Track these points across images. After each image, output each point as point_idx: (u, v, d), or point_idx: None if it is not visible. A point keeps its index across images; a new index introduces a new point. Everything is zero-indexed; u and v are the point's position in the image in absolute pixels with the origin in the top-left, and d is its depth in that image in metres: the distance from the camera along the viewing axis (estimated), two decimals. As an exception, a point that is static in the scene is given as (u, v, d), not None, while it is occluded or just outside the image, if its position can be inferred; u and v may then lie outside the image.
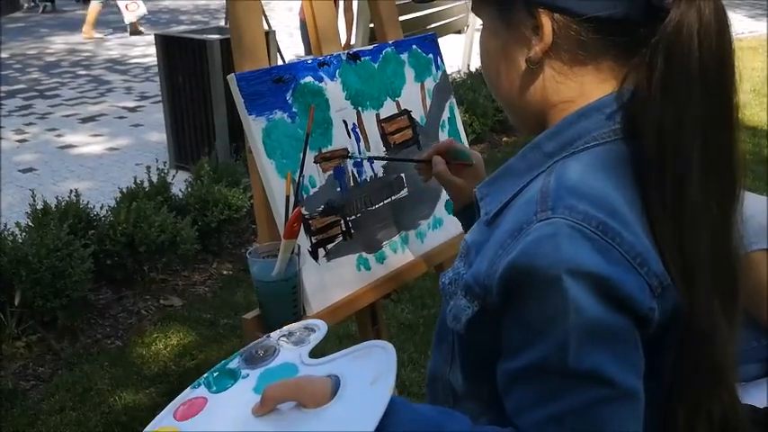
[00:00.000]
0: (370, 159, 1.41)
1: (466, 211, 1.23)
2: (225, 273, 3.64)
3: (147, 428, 0.88)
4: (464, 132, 1.71)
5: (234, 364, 0.95)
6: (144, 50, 9.88)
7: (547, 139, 0.80)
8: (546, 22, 0.77)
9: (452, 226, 1.55)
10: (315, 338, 0.94)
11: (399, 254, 1.46)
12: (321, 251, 1.31)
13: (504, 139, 5.60)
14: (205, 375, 0.94)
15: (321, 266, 1.30)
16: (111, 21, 11.79)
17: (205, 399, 0.90)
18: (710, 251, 0.74)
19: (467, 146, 1.69)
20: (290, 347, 0.94)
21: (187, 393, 0.92)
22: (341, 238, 1.35)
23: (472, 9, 0.87)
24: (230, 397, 0.89)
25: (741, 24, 10.49)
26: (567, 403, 0.70)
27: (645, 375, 0.73)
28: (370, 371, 0.81)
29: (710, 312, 0.74)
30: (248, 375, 0.92)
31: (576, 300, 0.68)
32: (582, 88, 0.80)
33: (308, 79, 1.34)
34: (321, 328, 0.96)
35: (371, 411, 0.74)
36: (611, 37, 0.77)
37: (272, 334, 0.97)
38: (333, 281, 1.32)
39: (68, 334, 3.02)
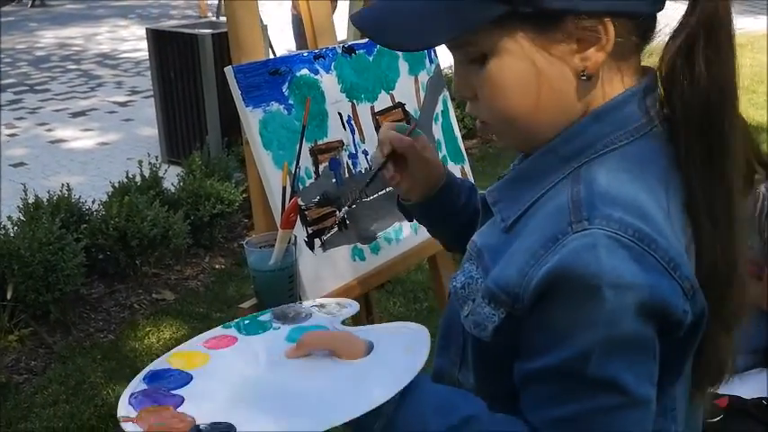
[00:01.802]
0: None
1: (419, 206, 1.14)
2: (217, 267, 3.65)
3: (176, 348, 0.93)
4: (457, 126, 1.72)
5: (265, 317, 0.98)
6: (134, 45, 9.85)
7: (563, 142, 0.78)
8: (610, 29, 0.72)
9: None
10: (347, 312, 0.99)
11: (394, 245, 1.47)
12: (317, 241, 1.32)
13: (496, 134, 5.62)
14: (236, 320, 0.97)
15: (317, 256, 1.32)
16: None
17: (235, 338, 0.94)
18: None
19: (458, 139, 1.70)
20: (321, 316, 0.98)
21: (218, 330, 0.97)
22: (336, 229, 1.36)
23: (476, 42, 0.75)
24: (261, 340, 0.94)
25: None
26: (580, 407, 0.72)
27: (675, 378, 0.78)
28: (403, 342, 0.85)
29: (733, 315, 0.80)
30: (279, 328, 0.96)
31: (611, 312, 0.68)
32: (604, 92, 0.77)
33: (304, 72, 1.36)
34: (353, 306, 1.00)
35: (403, 373, 0.77)
36: (645, 34, 0.77)
37: (303, 303, 1.01)
38: (328, 271, 1.34)
39: (61, 327, 3.03)
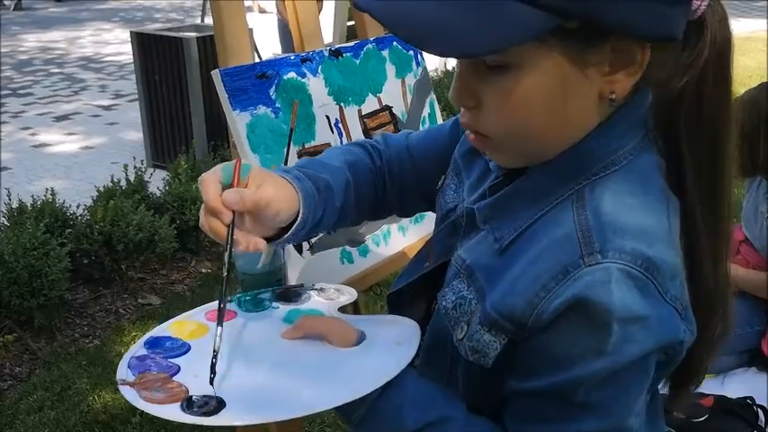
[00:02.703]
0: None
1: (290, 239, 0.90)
2: (203, 271, 3.63)
3: (177, 317, 0.95)
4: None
5: (265, 296, 1.01)
6: (118, 48, 9.80)
7: (565, 161, 0.75)
8: (646, 56, 0.70)
9: (432, 220, 1.57)
10: (344, 300, 1.00)
11: (382, 247, 1.48)
12: (305, 244, 1.32)
13: (481, 137, 5.64)
14: (236, 295, 1.00)
15: (305, 259, 1.32)
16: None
17: (235, 312, 0.97)
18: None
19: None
20: (320, 300, 1.01)
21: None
22: (324, 232, 1.36)
23: (506, 52, 0.67)
24: (259, 318, 0.96)
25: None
26: (562, 429, 0.72)
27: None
28: (394, 335, 0.87)
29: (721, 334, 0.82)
30: (278, 308, 0.99)
31: (616, 344, 0.68)
32: (608, 110, 0.75)
33: (291, 75, 1.36)
34: (351, 294, 1.02)
35: (389, 367, 0.79)
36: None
37: (304, 284, 1.04)
38: (317, 273, 1.34)
39: (46, 333, 3.00)
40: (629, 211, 0.71)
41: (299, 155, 1.34)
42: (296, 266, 1.29)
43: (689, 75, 0.73)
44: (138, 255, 3.35)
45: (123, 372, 0.83)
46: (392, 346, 0.85)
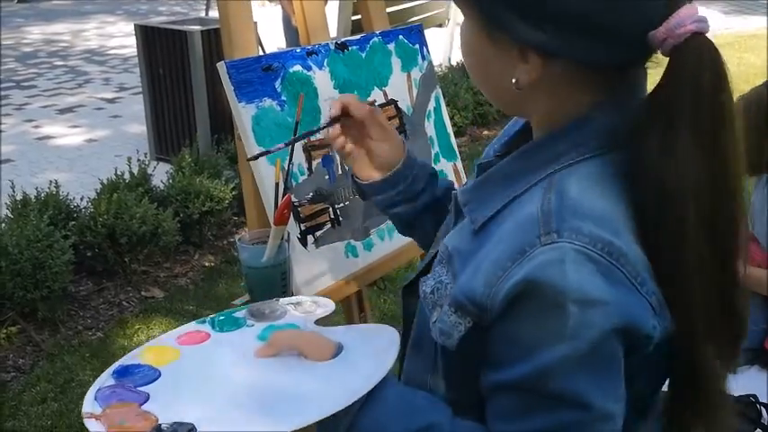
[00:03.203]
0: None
1: (376, 186, 1.04)
2: (207, 264, 3.63)
3: (148, 343, 0.94)
4: (450, 123, 1.72)
5: (240, 314, 1.00)
6: (122, 41, 9.79)
7: (536, 148, 0.77)
8: (534, 62, 0.72)
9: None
10: (321, 312, 0.99)
11: (387, 241, 1.47)
12: (310, 238, 1.32)
13: (485, 132, 5.63)
14: (210, 316, 0.99)
15: (310, 253, 1.31)
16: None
17: (208, 334, 0.96)
18: (707, 290, 0.72)
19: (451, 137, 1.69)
20: (296, 314, 0.99)
21: (192, 326, 0.98)
22: (329, 226, 1.36)
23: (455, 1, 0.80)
24: (233, 338, 0.95)
25: (716, 21, 10.64)
26: (542, 422, 0.71)
27: (650, 391, 0.77)
28: (373, 346, 0.85)
29: (702, 345, 0.74)
30: (253, 325, 0.97)
31: (575, 328, 0.67)
32: (566, 103, 0.76)
33: (297, 68, 1.35)
34: (328, 306, 1.01)
35: (366, 378, 0.78)
36: (606, 71, 0.75)
37: (280, 300, 1.02)
38: (321, 267, 1.33)
39: (49, 325, 3.00)
40: (595, 199, 0.71)
41: (305, 148, 1.34)
42: (300, 260, 1.29)
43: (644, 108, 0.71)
44: (142, 248, 3.35)
45: (89, 405, 0.81)
46: (370, 357, 0.83)
